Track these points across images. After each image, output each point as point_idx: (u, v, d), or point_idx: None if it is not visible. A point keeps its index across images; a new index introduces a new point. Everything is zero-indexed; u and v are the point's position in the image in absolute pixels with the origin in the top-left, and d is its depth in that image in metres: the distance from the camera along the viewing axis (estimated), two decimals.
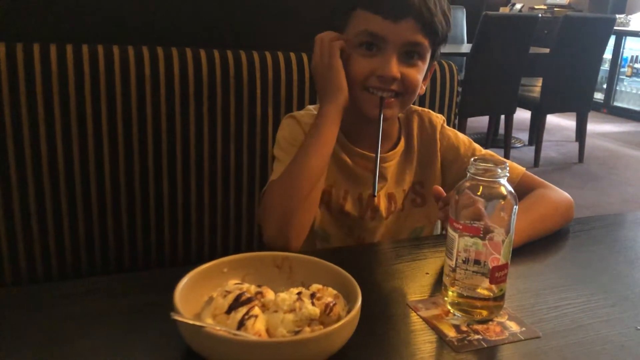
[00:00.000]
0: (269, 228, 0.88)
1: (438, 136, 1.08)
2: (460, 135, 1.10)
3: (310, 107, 1.07)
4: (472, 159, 0.69)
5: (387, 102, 0.93)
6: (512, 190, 0.69)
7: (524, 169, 1.05)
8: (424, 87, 1.02)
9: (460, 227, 0.68)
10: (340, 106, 0.92)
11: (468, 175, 0.69)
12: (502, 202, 0.68)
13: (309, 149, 0.90)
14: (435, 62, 1.04)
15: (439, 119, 1.09)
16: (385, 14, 0.90)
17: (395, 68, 0.91)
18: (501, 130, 4.49)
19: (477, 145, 1.09)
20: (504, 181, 0.68)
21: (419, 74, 0.94)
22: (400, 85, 0.93)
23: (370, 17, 0.91)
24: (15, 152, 1.07)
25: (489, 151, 1.10)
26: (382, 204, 1.03)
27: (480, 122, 4.67)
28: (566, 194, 1.02)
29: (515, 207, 0.69)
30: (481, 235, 0.67)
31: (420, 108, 1.10)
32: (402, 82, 0.93)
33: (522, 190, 1.00)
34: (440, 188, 0.88)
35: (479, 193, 0.68)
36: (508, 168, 0.69)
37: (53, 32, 1.15)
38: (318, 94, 0.96)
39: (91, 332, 0.64)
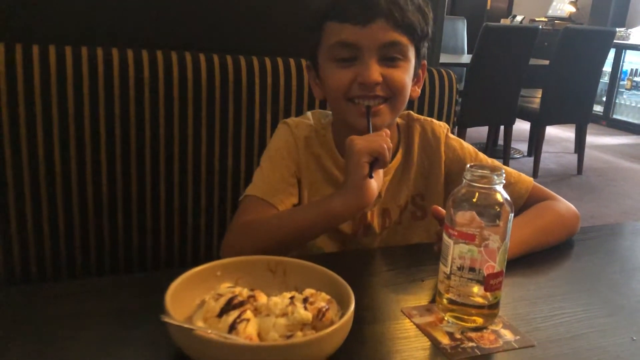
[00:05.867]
0: (231, 247, 0.87)
1: (442, 148, 1.03)
2: (466, 145, 1.06)
3: (309, 113, 1.06)
4: (467, 165, 0.69)
5: (374, 110, 0.89)
6: (508, 197, 0.68)
7: (532, 180, 1.02)
8: (418, 90, 0.98)
9: (456, 233, 0.68)
10: (352, 209, 0.85)
11: (464, 181, 0.69)
12: (498, 209, 0.68)
13: (303, 223, 0.86)
14: (425, 62, 0.99)
15: (442, 128, 1.05)
16: (353, 20, 0.86)
17: (375, 73, 0.87)
18: (500, 141, 4.49)
19: (483, 156, 1.05)
20: (500, 188, 0.68)
21: (404, 73, 0.90)
22: (385, 89, 0.89)
23: (340, 27, 0.88)
24: (12, 153, 1.07)
25: (495, 161, 1.06)
26: (375, 219, 1.00)
27: (480, 132, 4.68)
28: (573, 207, 0.99)
29: (511, 215, 0.68)
30: (476, 242, 0.67)
31: (422, 117, 1.06)
32: (387, 84, 0.89)
33: (533, 203, 0.98)
34: (439, 208, 0.84)
35: (474, 200, 0.68)
36: (504, 175, 0.68)
37: (52, 34, 1.15)
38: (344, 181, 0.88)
39: (82, 333, 0.63)
